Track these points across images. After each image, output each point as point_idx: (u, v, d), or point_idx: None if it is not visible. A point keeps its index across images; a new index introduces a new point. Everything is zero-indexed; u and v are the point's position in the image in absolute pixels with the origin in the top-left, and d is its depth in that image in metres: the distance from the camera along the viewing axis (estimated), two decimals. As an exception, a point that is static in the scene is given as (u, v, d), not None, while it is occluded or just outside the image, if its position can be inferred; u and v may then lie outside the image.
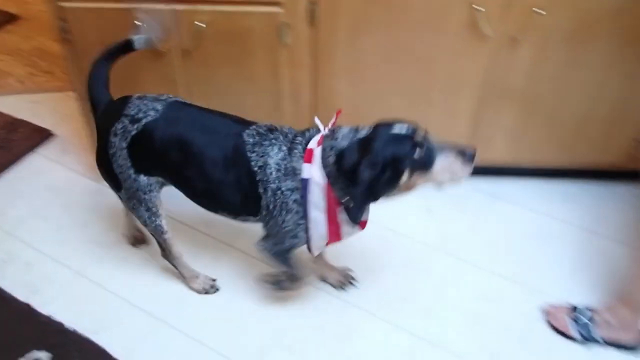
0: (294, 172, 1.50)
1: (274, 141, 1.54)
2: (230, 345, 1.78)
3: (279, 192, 1.52)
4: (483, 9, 1.79)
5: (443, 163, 1.40)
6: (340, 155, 1.43)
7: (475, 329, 1.83)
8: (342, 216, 1.52)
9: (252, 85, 2.01)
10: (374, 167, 1.37)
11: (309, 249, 1.62)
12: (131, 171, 1.63)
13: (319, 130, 1.53)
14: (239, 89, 2.03)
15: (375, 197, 1.44)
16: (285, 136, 1.56)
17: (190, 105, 1.66)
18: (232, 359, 1.74)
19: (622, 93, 2.00)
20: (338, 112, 1.54)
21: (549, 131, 2.12)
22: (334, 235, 1.57)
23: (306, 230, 1.55)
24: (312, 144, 1.50)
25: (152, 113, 1.58)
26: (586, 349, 1.76)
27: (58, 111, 2.67)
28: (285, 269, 1.73)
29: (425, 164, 1.40)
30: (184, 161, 1.58)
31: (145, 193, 1.67)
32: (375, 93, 2.04)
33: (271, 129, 1.57)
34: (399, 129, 1.41)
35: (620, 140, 2.13)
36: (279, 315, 1.87)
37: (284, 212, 1.54)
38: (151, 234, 1.82)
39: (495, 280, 1.96)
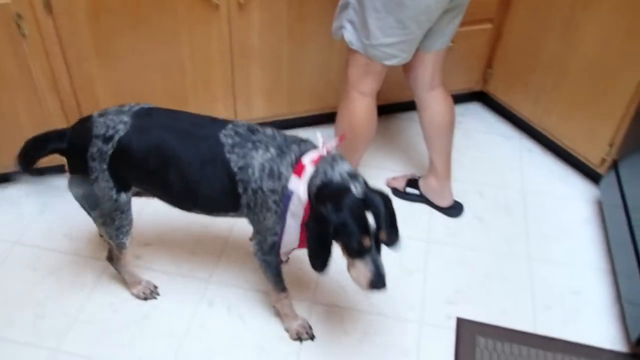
0: (279, 177, 1.50)
1: (258, 144, 1.53)
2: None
3: (259, 191, 1.52)
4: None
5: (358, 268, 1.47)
6: (320, 191, 1.46)
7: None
8: None
9: (1, 85, 2.03)
10: (324, 224, 1.42)
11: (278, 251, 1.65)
12: (113, 192, 1.61)
13: (314, 146, 1.55)
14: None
15: (315, 250, 1.50)
16: (273, 138, 1.55)
17: (156, 109, 1.64)
18: None
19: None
20: (341, 138, 1.61)
21: (297, 83, 2.44)
22: (304, 243, 1.58)
23: (280, 232, 1.57)
24: (307, 160, 1.49)
25: (121, 127, 1.55)
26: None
27: None
28: (272, 279, 1.75)
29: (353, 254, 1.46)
30: (162, 167, 1.56)
31: (122, 212, 1.67)
32: (131, 71, 2.17)
33: (252, 129, 1.56)
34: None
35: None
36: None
37: (264, 210, 1.55)
38: (109, 244, 1.82)
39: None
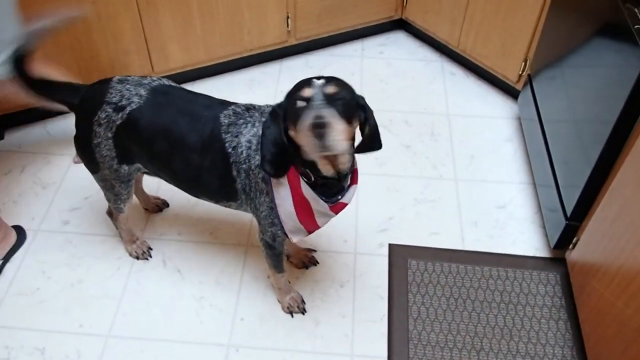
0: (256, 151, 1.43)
1: (248, 119, 1.46)
2: None
3: (250, 172, 1.45)
4: None
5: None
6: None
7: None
8: (308, 191, 1.41)
9: None
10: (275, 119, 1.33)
11: (285, 233, 1.51)
12: (114, 162, 1.57)
13: None
14: None
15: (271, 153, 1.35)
16: (262, 113, 1.47)
17: (174, 87, 1.57)
18: None
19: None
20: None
21: (210, 27, 2.36)
22: (305, 214, 1.46)
23: (276, 212, 1.46)
24: None
25: (135, 100, 1.50)
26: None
27: None
28: (271, 263, 1.68)
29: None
30: (168, 150, 1.49)
31: (122, 182, 1.64)
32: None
33: (249, 108, 1.49)
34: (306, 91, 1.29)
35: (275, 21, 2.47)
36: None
37: (258, 193, 1.47)
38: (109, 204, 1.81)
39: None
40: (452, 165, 2.26)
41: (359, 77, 2.62)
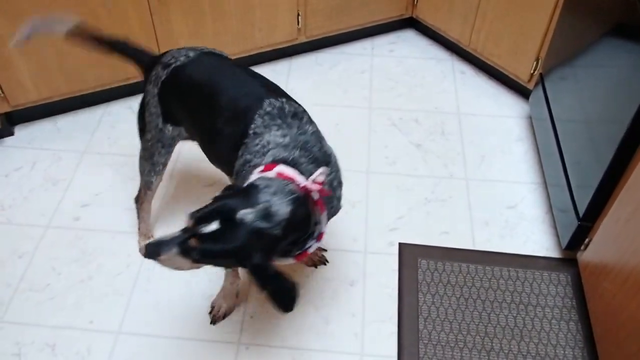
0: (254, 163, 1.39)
1: (284, 126, 1.41)
2: None
3: (247, 165, 1.42)
4: None
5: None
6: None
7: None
8: None
9: None
10: None
11: None
12: (159, 120, 1.63)
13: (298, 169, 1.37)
14: None
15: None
16: (300, 133, 1.41)
17: (228, 59, 1.65)
18: None
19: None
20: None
21: (222, 25, 2.35)
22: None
23: None
24: (283, 169, 1.33)
25: (182, 58, 1.58)
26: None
27: None
28: None
29: None
30: (202, 105, 1.52)
31: (163, 147, 1.69)
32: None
33: (295, 114, 1.45)
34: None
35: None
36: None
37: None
38: (141, 182, 1.84)
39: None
40: (462, 164, 2.25)
41: (368, 75, 2.62)
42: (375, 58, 2.71)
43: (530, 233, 2.02)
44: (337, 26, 2.60)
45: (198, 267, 1.31)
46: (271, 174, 1.31)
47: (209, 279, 1.88)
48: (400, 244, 1.98)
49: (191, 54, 1.59)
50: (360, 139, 2.34)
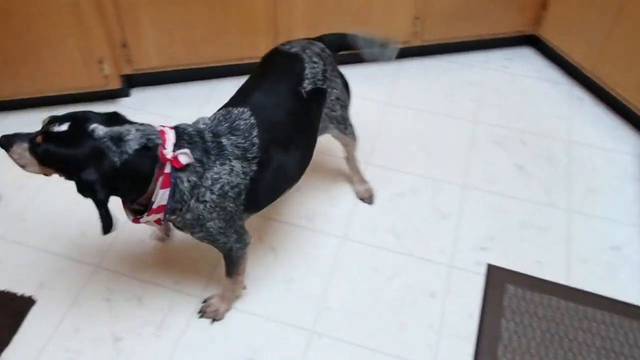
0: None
1: (222, 117, 1.51)
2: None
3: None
4: None
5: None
6: None
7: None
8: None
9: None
10: None
11: None
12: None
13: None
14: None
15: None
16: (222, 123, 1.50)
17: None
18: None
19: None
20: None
21: (340, 17, 2.36)
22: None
23: None
24: (167, 131, 1.40)
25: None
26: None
27: None
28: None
29: None
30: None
31: None
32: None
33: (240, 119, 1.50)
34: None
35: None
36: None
37: None
38: None
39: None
40: (566, 194, 2.13)
41: (478, 88, 2.54)
42: (487, 72, 2.63)
43: (634, 280, 1.88)
44: (454, 34, 2.55)
45: (48, 174, 1.36)
46: (155, 126, 1.38)
47: (290, 263, 1.89)
48: (489, 265, 1.90)
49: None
50: (460, 152, 2.27)
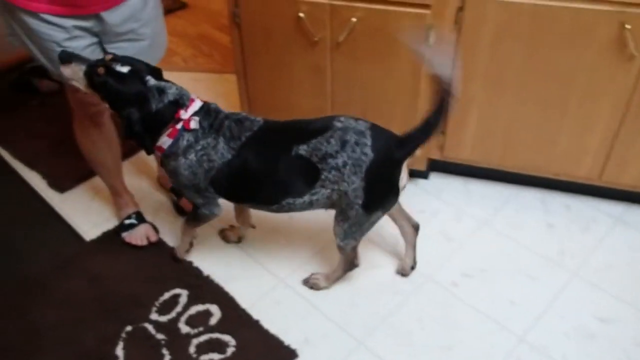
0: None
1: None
2: (341, 312, 1.95)
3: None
4: (630, 27, 1.78)
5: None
6: None
7: (583, 345, 1.82)
8: None
9: (392, 81, 2.14)
10: None
11: None
12: None
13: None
14: (381, 84, 2.17)
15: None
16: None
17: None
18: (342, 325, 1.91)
19: None
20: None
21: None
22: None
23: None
24: (196, 99, 1.76)
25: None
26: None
27: (214, 90, 2.99)
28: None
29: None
30: None
31: None
32: (507, 100, 2.09)
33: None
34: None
35: None
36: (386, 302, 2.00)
37: None
38: None
39: (611, 302, 1.94)
40: None
41: None
42: None
43: None
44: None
45: (89, 97, 1.73)
46: (190, 93, 1.76)
47: None
48: None
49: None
50: None
